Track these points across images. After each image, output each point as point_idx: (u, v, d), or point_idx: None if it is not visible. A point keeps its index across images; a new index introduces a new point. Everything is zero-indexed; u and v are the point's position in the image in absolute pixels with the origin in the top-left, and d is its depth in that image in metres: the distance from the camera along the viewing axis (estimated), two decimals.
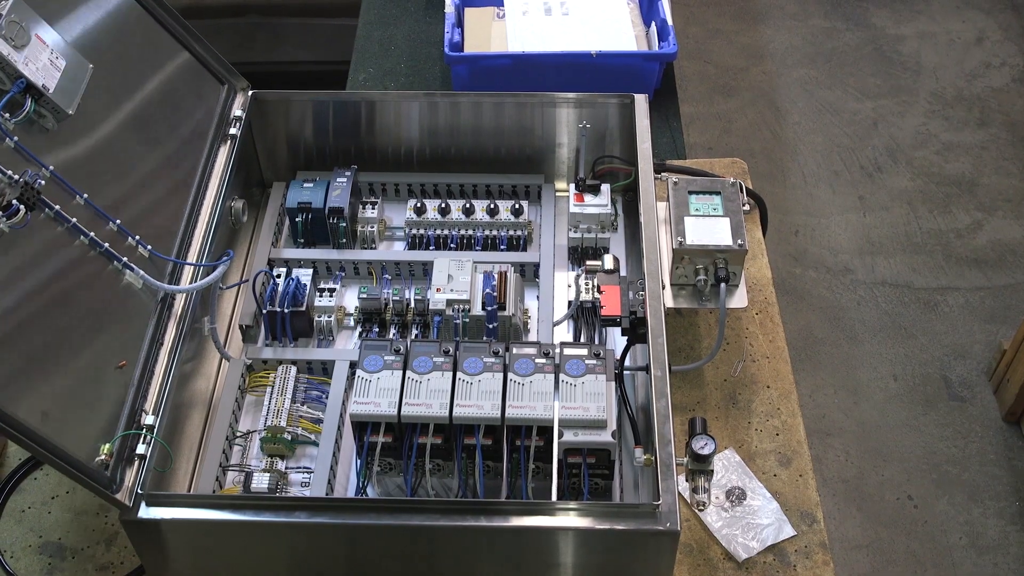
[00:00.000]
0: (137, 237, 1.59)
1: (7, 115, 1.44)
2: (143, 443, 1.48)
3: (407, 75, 2.51)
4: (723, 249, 1.78)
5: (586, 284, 1.76)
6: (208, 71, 1.90)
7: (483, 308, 1.72)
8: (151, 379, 1.56)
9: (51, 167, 1.46)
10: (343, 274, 1.91)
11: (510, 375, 1.53)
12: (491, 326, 1.73)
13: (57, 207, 1.45)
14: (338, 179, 1.92)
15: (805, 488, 1.73)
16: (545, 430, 1.50)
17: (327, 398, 1.70)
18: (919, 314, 3.31)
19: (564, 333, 1.82)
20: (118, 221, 1.56)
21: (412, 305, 1.81)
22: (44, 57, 1.50)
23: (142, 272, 1.58)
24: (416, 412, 1.49)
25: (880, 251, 3.49)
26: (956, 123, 3.92)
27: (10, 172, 1.38)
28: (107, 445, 1.43)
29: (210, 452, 1.63)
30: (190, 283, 1.68)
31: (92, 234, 1.50)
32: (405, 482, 1.52)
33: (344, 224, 1.89)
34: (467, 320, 1.73)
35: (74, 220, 1.47)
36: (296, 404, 1.69)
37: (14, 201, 1.39)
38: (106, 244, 1.53)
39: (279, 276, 1.80)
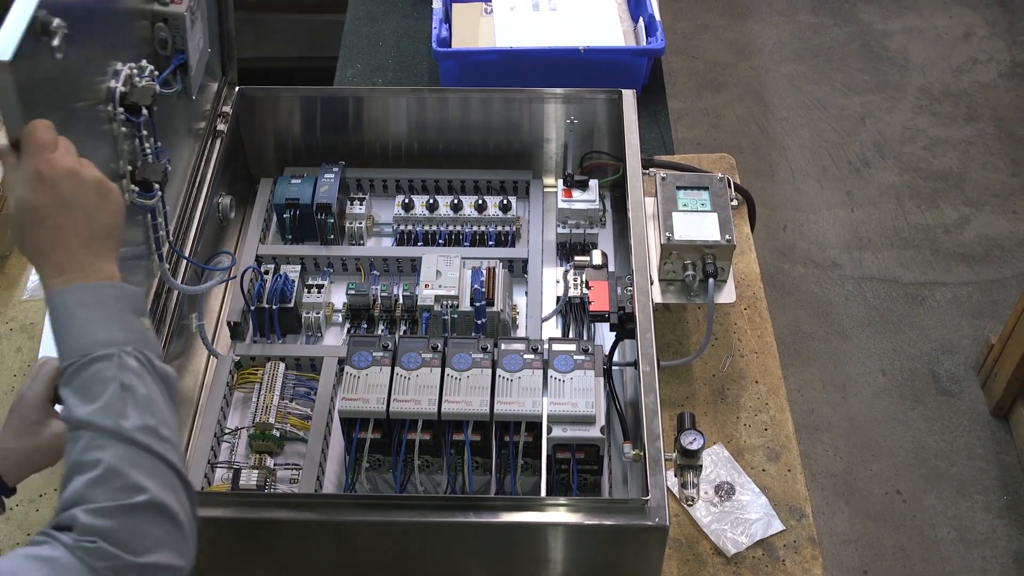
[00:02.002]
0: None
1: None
2: None
3: (395, 71, 2.51)
4: (711, 244, 1.78)
5: (574, 280, 1.76)
6: (219, 57, 1.88)
7: (471, 304, 1.72)
8: None
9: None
10: (331, 270, 1.91)
11: (498, 371, 1.53)
12: (479, 322, 1.72)
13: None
14: (326, 175, 1.91)
15: (794, 483, 1.73)
16: (534, 426, 1.50)
17: (315, 395, 1.70)
18: (907, 309, 3.32)
19: (552, 329, 1.82)
20: None
21: (400, 301, 1.80)
22: (198, 35, 1.47)
23: (166, 266, 1.56)
24: (404, 408, 1.49)
25: (868, 246, 3.50)
26: (943, 118, 3.93)
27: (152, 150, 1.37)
28: None
29: (198, 449, 1.63)
30: (182, 281, 1.67)
31: None
32: (394, 478, 1.52)
33: (332, 220, 1.88)
34: (455, 316, 1.72)
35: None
36: (284, 401, 1.69)
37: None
38: None
39: (267, 272, 1.80)
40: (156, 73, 1.45)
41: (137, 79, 1.40)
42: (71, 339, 1.06)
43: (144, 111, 1.39)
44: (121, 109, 1.37)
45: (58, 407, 1.13)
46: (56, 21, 1.16)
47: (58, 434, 1.25)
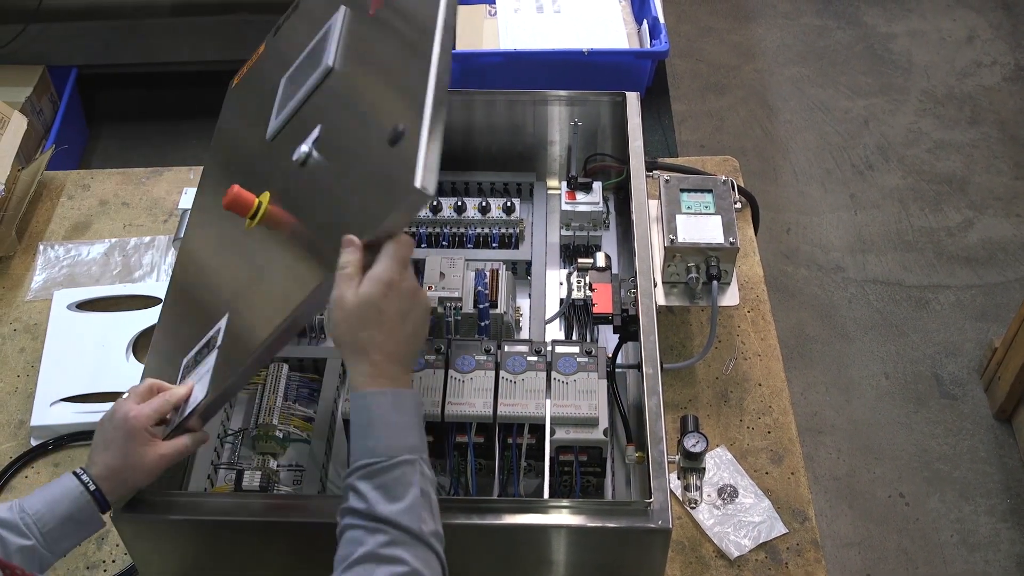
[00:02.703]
0: None
1: None
2: None
3: None
4: (715, 247, 1.78)
5: (578, 282, 1.76)
6: None
7: (475, 306, 1.72)
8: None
9: None
10: None
11: (502, 373, 1.53)
12: (483, 324, 1.72)
13: None
14: None
15: (797, 486, 1.73)
16: (537, 428, 1.50)
17: (319, 396, 1.70)
18: (910, 312, 3.32)
19: (556, 331, 1.82)
20: None
21: None
22: None
23: None
24: None
25: (871, 249, 3.50)
26: (947, 121, 3.93)
27: None
28: None
29: (202, 450, 1.62)
30: None
31: None
32: None
33: None
34: (459, 318, 1.72)
35: None
36: (288, 402, 1.69)
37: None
38: None
39: None
40: None
41: None
42: (380, 439, 1.16)
43: None
44: None
45: (350, 498, 1.18)
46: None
47: (162, 455, 1.34)
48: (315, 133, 1.47)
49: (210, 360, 1.39)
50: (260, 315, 1.37)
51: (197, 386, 1.38)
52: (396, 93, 1.43)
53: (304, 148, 1.45)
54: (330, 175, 1.42)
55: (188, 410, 1.37)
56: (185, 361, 1.46)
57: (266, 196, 1.47)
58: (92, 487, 1.31)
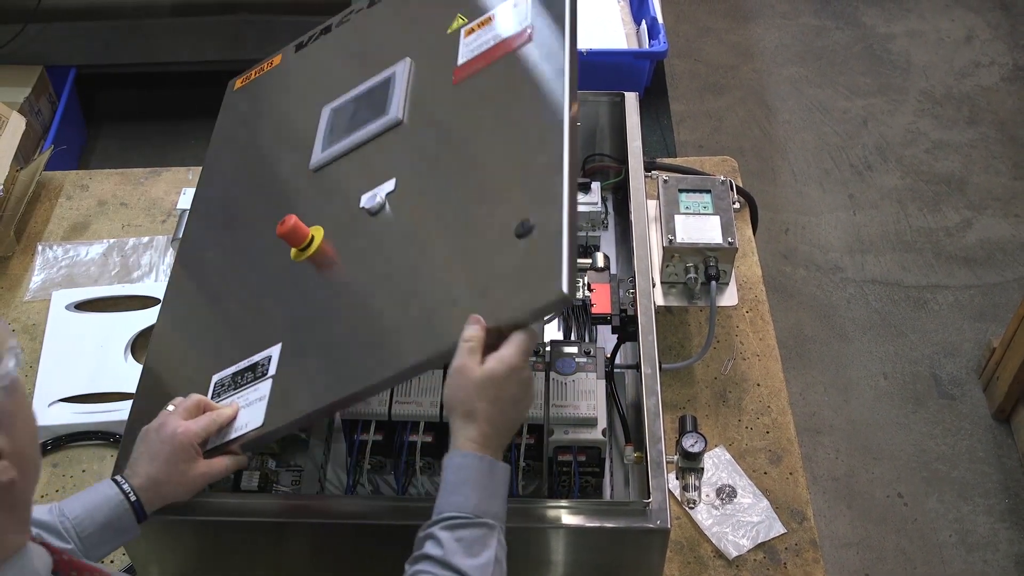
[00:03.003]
0: None
1: None
2: None
3: None
4: (713, 247, 1.78)
5: (576, 282, 1.76)
6: None
7: None
8: None
9: None
10: None
11: None
12: None
13: None
14: None
15: (795, 486, 1.73)
16: (535, 428, 1.49)
17: None
18: (909, 312, 3.32)
19: (554, 331, 1.81)
20: None
21: None
22: None
23: None
24: (406, 410, 1.49)
25: (870, 249, 3.50)
26: (946, 122, 3.93)
27: None
28: None
29: None
30: None
31: None
32: (395, 480, 1.52)
33: None
34: None
35: None
36: None
37: None
38: None
39: None
40: None
41: None
42: (469, 498, 1.22)
43: None
44: None
45: (427, 546, 1.22)
46: None
47: (203, 473, 1.36)
48: (388, 186, 1.49)
49: (262, 388, 1.40)
50: (354, 365, 1.39)
51: (244, 411, 1.40)
52: (508, 176, 1.45)
53: (378, 199, 1.47)
54: (420, 239, 1.45)
55: (234, 434, 1.38)
56: (218, 378, 1.46)
57: (319, 232, 1.48)
58: (133, 497, 1.32)
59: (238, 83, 1.96)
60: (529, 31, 1.57)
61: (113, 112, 3.89)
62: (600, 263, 1.76)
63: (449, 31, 1.68)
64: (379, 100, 1.64)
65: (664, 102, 2.39)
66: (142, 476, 1.34)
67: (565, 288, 1.25)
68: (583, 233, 1.89)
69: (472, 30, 1.64)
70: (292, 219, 1.46)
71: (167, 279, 1.89)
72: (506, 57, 1.56)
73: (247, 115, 1.88)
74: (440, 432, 1.50)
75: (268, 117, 1.85)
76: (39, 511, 1.30)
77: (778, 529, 1.67)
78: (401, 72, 1.66)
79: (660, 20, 2.34)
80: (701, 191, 1.85)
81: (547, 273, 1.26)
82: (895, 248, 3.50)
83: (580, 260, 1.79)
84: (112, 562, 1.64)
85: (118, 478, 1.34)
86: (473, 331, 1.27)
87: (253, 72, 1.95)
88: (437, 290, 1.40)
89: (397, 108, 1.60)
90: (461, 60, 1.61)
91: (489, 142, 1.51)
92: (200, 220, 1.74)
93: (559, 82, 1.47)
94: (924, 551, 2.77)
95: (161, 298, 1.67)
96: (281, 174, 1.71)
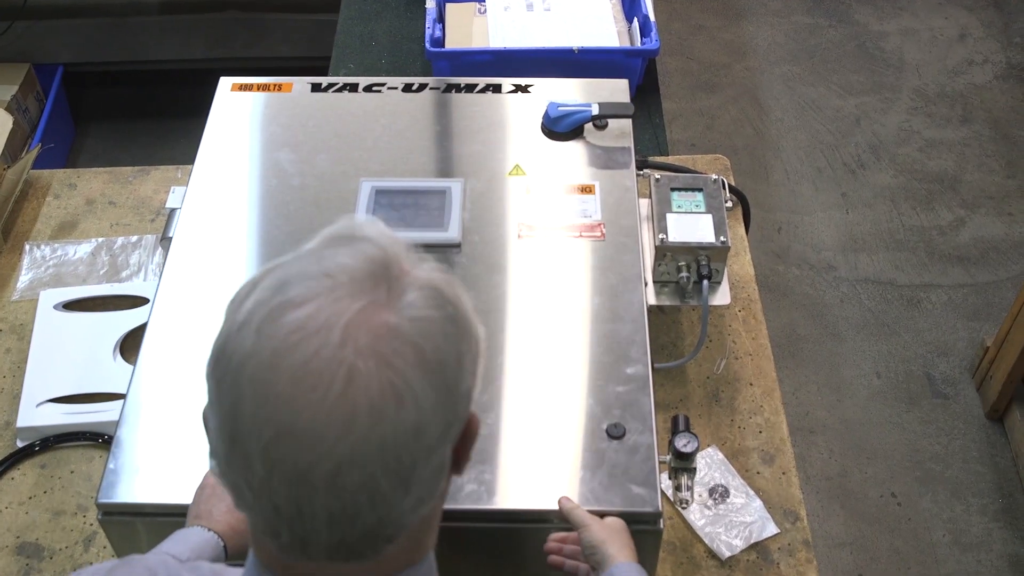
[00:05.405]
0: None
1: None
2: None
3: (388, 70, 2.50)
4: (706, 246, 1.77)
5: None
6: None
7: None
8: None
9: None
10: None
11: None
12: None
13: None
14: None
15: (788, 486, 1.72)
16: None
17: None
18: (902, 311, 3.32)
19: None
20: None
21: None
22: None
23: None
24: None
25: (863, 248, 3.49)
26: (939, 120, 3.93)
27: None
28: None
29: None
30: None
31: None
32: None
33: None
34: None
35: None
36: None
37: None
38: None
39: None
40: None
41: None
42: None
43: None
44: None
45: None
46: None
47: None
48: None
49: None
50: None
51: None
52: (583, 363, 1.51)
53: None
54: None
55: None
56: None
57: None
58: (222, 543, 1.31)
59: (233, 86, 1.95)
60: (601, 228, 1.68)
61: (101, 110, 3.87)
62: None
63: (508, 174, 1.76)
64: (435, 211, 1.67)
65: (656, 100, 2.38)
66: (223, 524, 1.32)
67: (661, 524, 1.38)
68: None
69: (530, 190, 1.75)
70: None
71: (156, 278, 1.87)
72: (578, 239, 1.67)
73: (257, 129, 1.86)
74: None
75: (290, 149, 1.82)
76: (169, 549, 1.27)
77: (771, 529, 1.67)
78: (456, 191, 1.69)
79: (652, 18, 2.32)
80: (693, 190, 1.85)
81: (647, 498, 1.37)
82: (888, 247, 3.50)
83: None
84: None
85: (197, 527, 1.31)
86: (570, 504, 1.37)
87: (255, 85, 1.94)
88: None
89: (453, 229, 1.64)
90: (524, 217, 1.69)
91: (565, 318, 1.57)
92: (197, 220, 1.73)
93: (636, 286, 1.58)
94: (918, 551, 2.77)
95: (150, 298, 1.66)
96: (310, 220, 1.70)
